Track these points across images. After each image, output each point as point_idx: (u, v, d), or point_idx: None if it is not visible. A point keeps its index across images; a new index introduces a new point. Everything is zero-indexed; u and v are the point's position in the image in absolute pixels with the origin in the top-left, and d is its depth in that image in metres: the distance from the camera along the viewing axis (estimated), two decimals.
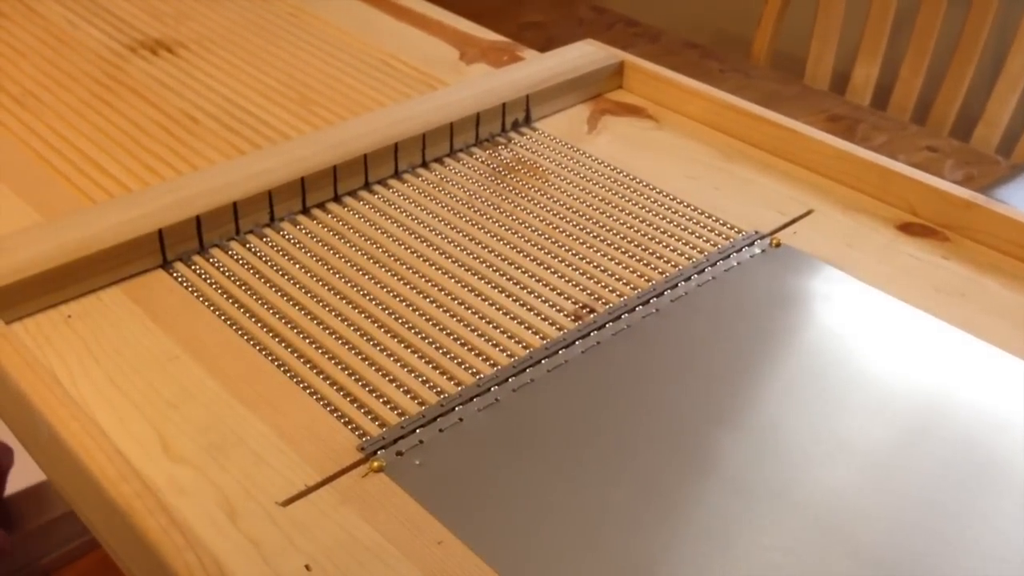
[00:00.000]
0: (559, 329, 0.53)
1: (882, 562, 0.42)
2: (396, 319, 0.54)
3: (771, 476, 0.46)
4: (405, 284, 0.56)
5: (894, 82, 1.37)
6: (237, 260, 0.58)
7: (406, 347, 0.52)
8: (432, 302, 0.55)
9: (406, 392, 0.49)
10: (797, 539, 0.43)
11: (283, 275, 0.57)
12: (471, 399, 0.49)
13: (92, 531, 0.46)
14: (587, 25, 1.56)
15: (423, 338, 0.53)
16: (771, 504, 0.44)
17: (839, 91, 1.43)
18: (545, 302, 0.55)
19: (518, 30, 1.48)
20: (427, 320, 0.54)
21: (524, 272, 0.57)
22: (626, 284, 0.57)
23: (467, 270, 0.57)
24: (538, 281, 0.57)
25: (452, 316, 0.54)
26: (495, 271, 0.57)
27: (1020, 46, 1.27)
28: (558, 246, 0.60)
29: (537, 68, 0.74)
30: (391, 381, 0.50)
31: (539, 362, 0.51)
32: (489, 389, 0.50)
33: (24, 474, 0.75)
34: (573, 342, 0.52)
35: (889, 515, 0.44)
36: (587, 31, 0.81)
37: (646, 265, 0.58)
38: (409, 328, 0.53)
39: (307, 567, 0.41)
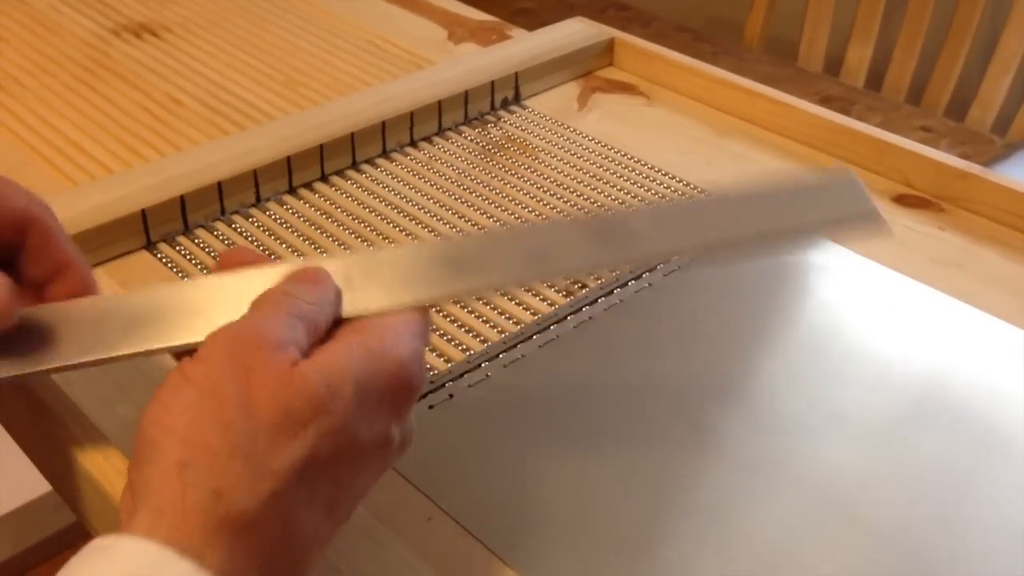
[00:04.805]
0: (550, 304, 0.52)
1: (880, 533, 0.41)
2: None
3: (768, 449, 0.45)
4: None
5: (888, 63, 1.37)
6: (223, 240, 0.57)
7: None
8: None
9: None
10: (795, 512, 0.42)
11: (270, 255, 0.56)
12: (461, 375, 0.48)
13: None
14: (579, 11, 1.55)
15: None
16: (768, 477, 0.44)
17: (833, 73, 1.42)
18: None
19: (509, 16, 1.46)
20: None
21: None
22: None
23: None
24: None
25: None
26: None
27: (1014, 26, 1.26)
28: None
29: (526, 46, 0.73)
30: None
31: (530, 338, 0.50)
32: (479, 365, 0.49)
33: None
34: (565, 317, 0.52)
35: (887, 486, 0.43)
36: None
37: None
38: None
39: None
